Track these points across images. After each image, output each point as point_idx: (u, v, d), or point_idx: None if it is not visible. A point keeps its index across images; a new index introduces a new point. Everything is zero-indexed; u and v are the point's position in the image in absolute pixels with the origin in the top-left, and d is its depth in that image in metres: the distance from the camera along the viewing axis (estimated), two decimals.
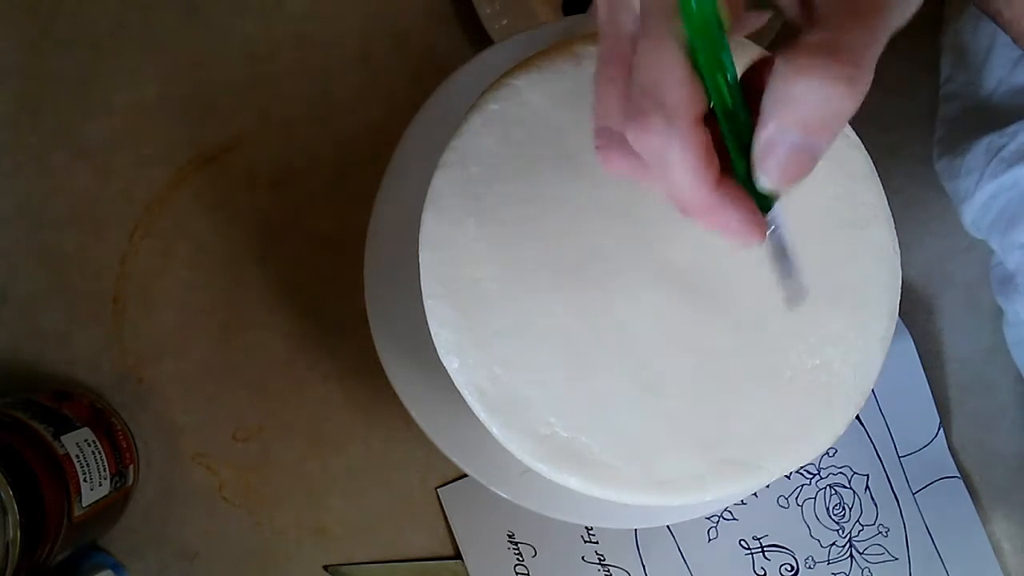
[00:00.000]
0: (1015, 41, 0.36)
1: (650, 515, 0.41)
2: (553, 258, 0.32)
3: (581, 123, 0.31)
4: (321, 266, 0.47)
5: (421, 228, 0.32)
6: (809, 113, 0.22)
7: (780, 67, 0.22)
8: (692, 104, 0.23)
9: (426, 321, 0.31)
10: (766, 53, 0.27)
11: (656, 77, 0.23)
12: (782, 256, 0.26)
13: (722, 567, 0.47)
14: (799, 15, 0.24)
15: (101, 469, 0.42)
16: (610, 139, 0.26)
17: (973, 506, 0.48)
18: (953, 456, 0.48)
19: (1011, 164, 0.39)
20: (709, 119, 0.24)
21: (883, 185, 0.33)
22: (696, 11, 0.22)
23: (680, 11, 0.22)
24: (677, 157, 0.23)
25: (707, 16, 0.22)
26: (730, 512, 0.47)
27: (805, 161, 0.23)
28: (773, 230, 0.25)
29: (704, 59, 0.22)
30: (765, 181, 0.24)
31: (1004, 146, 0.40)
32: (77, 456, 0.40)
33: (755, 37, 0.33)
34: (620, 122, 0.25)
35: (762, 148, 0.23)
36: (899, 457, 0.48)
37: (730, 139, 0.24)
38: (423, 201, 0.32)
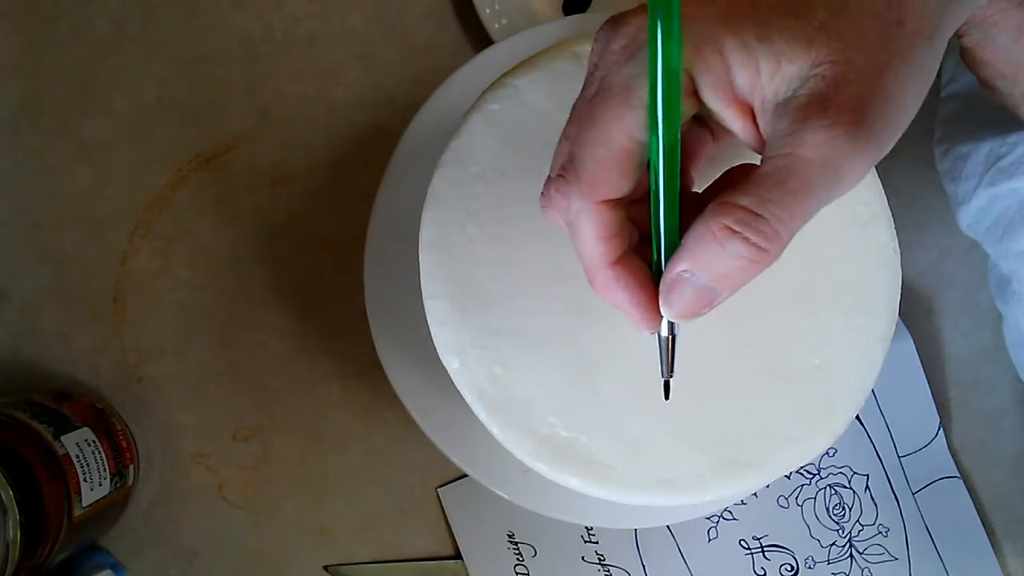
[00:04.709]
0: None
1: (650, 515, 0.41)
2: (553, 258, 0.32)
3: None
4: (321, 266, 0.47)
5: (421, 228, 0.32)
6: (719, 269, 0.24)
7: (707, 218, 0.24)
8: (607, 185, 0.25)
9: (426, 321, 0.31)
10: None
11: (585, 150, 0.25)
12: (665, 356, 0.27)
13: (722, 567, 0.47)
14: (752, 145, 0.26)
15: (101, 469, 0.42)
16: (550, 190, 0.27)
17: (973, 506, 0.48)
18: (953, 456, 0.48)
19: (1010, 176, 0.39)
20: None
21: (883, 185, 0.33)
22: (663, 60, 0.23)
23: (648, 57, 0.23)
24: (581, 229, 0.26)
25: (671, 67, 0.23)
26: (730, 512, 0.47)
27: (704, 303, 0.25)
28: (665, 334, 0.27)
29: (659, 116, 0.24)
30: (665, 310, 0.26)
31: (1004, 156, 0.40)
32: (77, 456, 0.40)
33: None
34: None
35: (669, 281, 0.25)
36: (899, 457, 0.48)
37: (654, 227, 0.26)
38: (423, 201, 0.32)
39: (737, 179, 0.25)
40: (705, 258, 0.24)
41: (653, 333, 0.27)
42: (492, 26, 0.45)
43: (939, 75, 0.47)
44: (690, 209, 0.25)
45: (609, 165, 0.25)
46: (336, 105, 0.47)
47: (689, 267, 0.24)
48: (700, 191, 0.27)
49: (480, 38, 0.47)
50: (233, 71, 0.47)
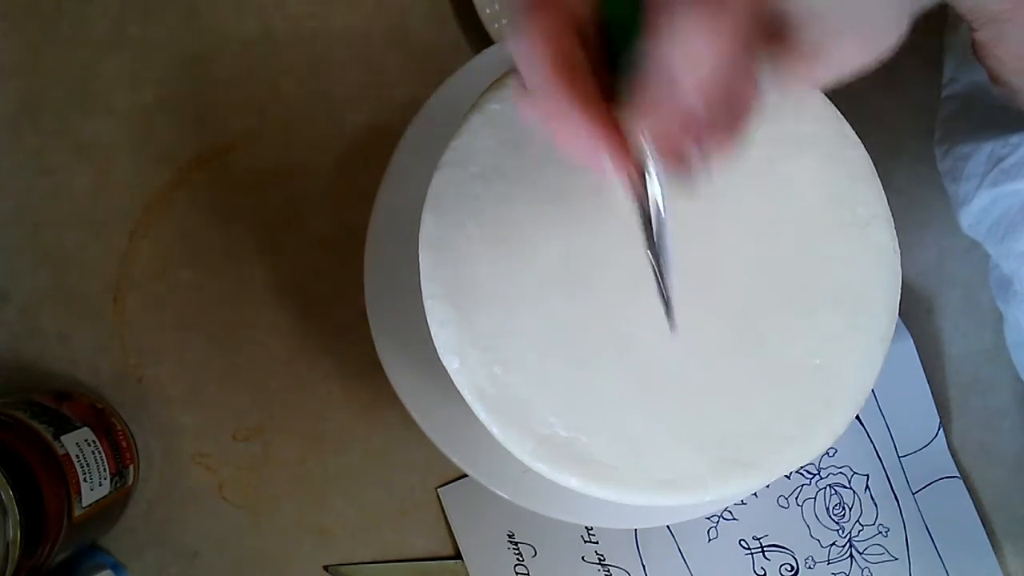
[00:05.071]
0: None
1: (650, 515, 0.41)
2: (553, 258, 0.32)
3: None
4: (321, 266, 0.47)
5: (421, 228, 0.32)
6: (679, 47, 0.21)
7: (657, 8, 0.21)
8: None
9: (426, 321, 0.31)
10: None
11: None
12: (647, 219, 0.23)
13: (722, 567, 0.47)
14: None
15: (101, 469, 0.42)
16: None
17: (973, 506, 0.48)
18: (953, 456, 0.48)
19: (1012, 176, 0.39)
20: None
21: (883, 185, 0.33)
22: None
23: None
24: (534, 49, 0.22)
25: None
26: (730, 512, 0.47)
27: (671, 98, 0.21)
28: (643, 183, 0.23)
29: None
30: (630, 117, 0.22)
31: (1005, 157, 0.40)
32: (77, 456, 0.40)
33: None
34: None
35: (631, 84, 0.22)
36: (899, 457, 0.48)
37: (616, 48, 0.23)
38: (423, 201, 0.32)
39: None
40: (661, 40, 0.21)
41: (622, 177, 0.23)
42: (492, 26, 0.45)
43: (940, 75, 0.47)
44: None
45: None
46: (336, 105, 0.47)
47: (648, 52, 0.21)
48: None
49: (480, 38, 0.47)
50: (233, 71, 0.47)
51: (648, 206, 0.23)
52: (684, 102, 0.21)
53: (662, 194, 0.23)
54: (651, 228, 0.24)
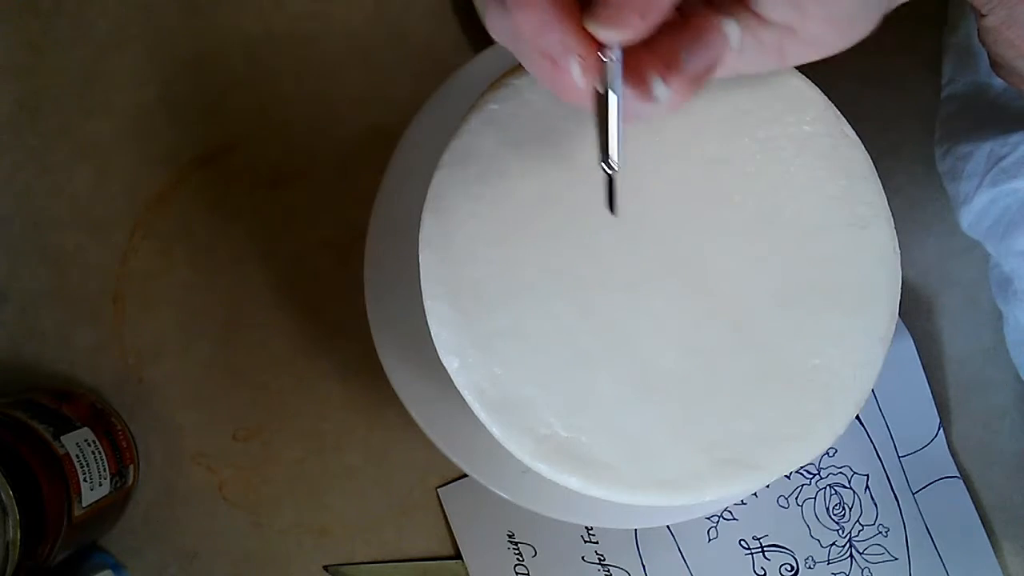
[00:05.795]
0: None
1: (650, 515, 0.41)
2: (553, 258, 0.32)
3: (581, 123, 0.31)
4: (321, 266, 0.47)
5: (421, 228, 0.32)
6: None
7: None
8: None
9: (426, 321, 0.31)
10: None
11: None
12: (603, 121, 0.24)
13: (722, 567, 0.47)
14: None
15: (101, 469, 0.42)
16: None
17: (973, 506, 0.48)
18: (953, 456, 0.48)
19: (1012, 176, 0.39)
20: None
21: (883, 185, 0.33)
22: None
23: None
24: None
25: None
26: (730, 512, 0.47)
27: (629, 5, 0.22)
28: (604, 86, 0.23)
29: None
30: (592, 23, 0.22)
31: (1005, 156, 0.40)
32: (77, 456, 0.40)
33: None
34: None
35: None
36: (899, 457, 0.48)
37: None
38: (423, 201, 0.32)
39: None
40: None
41: (587, 79, 0.23)
42: None
43: (940, 75, 0.47)
44: None
45: None
46: (336, 105, 0.47)
47: None
48: None
49: (480, 38, 0.47)
50: (233, 71, 0.47)
51: (607, 117, 0.24)
52: (652, 10, 0.22)
53: (618, 98, 0.23)
54: (606, 139, 0.24)
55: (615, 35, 0.22)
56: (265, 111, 0.47)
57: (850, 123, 0.33)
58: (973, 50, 0.44)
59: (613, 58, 0.23)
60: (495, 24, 0.25)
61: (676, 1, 0.22)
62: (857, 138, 0.33)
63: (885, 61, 0.47)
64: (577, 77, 0.23)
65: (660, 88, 0.24)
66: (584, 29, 0.23)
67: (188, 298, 0.47)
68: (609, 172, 0.25)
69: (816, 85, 0.33)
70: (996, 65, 0.36)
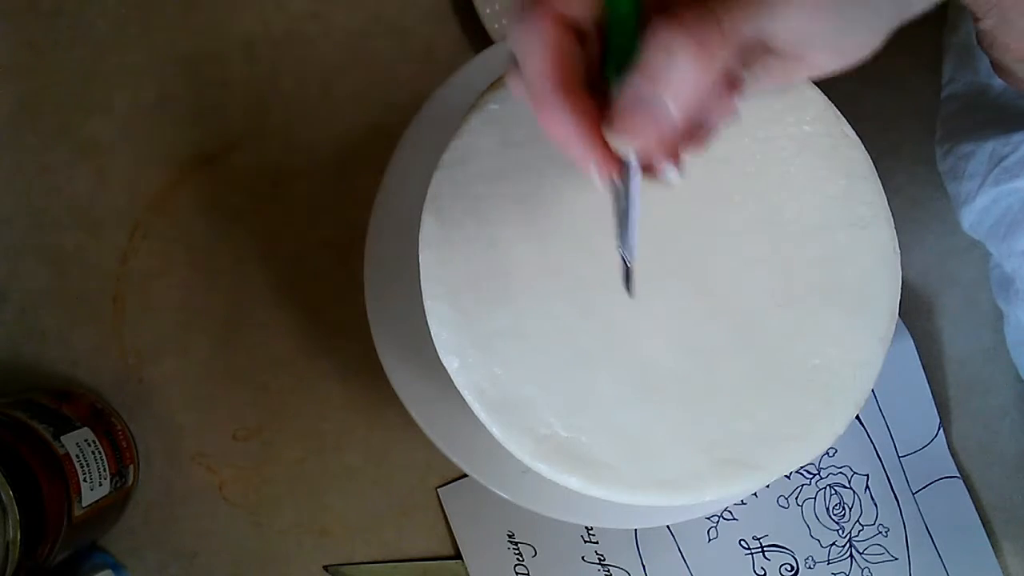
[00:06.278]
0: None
1: (650, 515, 0.41)
2: (553, 258, 0.32)
3: None
4: (321, 266, 0.47)
5: (421, 228, 0.32)
6: (663, 75, 0.23)
7: (654, 24, 0.23)
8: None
9: (426, 321, 0.31)
10: None
11: None
12: (620, 215, 0.25)
13: (722, 567, 0.47)
14: None
15: (101, 469, 0.42)
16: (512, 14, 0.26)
17: (973, 506, 0.48)
18: (953, 456, 0.48)
19: (1014, 175, 0.39)
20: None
21: (883, 185, 0.33)
22: None
23: None
24: (531, 45, 0.24)
25: None
26: (730, 512, 0.47)
27: (651, 118, 0.23)
28: (622, 185, 0.25)
29: None
30: (609, 133, 0.24)
31: (1007, 156, 0.40)
32: (77, 456, 0.40)
33: None
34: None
35: (614, 102, 0.24)
36: (899, 457, 0.48)
37: (610, 55, 0.24)
38: (423, 201, 0.32)
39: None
40: (648, 65, 0.23)
41: (604, 181, 0.25)
42: (492, 26, 0.45)
43: (940, 75, 0.47)
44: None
45: None
46: (336, 105, 0.47)
47: (636, 80, 0.23)
48: None
49: (480, 38, 0.47)
50: (233, 71, 0.47)
51: (623, 203, 0.25)
52: (665, 125, 0.24)
53: (636, 196, 0.25)
54: (625, 224, 0.26)
55: (634, 146, 0.24)
56: (265, 111, 0.47)
57: (850, 123, 0.33)
58: (973, 50, 0.44)
59: (631, 162, 0.25)
60: (515, 89, 0.26)
61: (689, 115, 0.24)
62: (857, 138, 0.33)
63: (885, 61, 0.47)
64: (595, 178, 0.25)
65: (671, 172, 0.26)
66: (603, 139, 0.24)
67: (188, 298, 0.47)
68: (627, 262, 0.26)
69: (816, 85, 0.33)
70: (995, 67, 0.36)
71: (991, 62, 0.36)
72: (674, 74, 0.23)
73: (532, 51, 0.24)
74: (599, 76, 0.25)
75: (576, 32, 0.24)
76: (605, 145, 0.25)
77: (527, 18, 0.24)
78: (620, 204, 0.25)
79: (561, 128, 0.25)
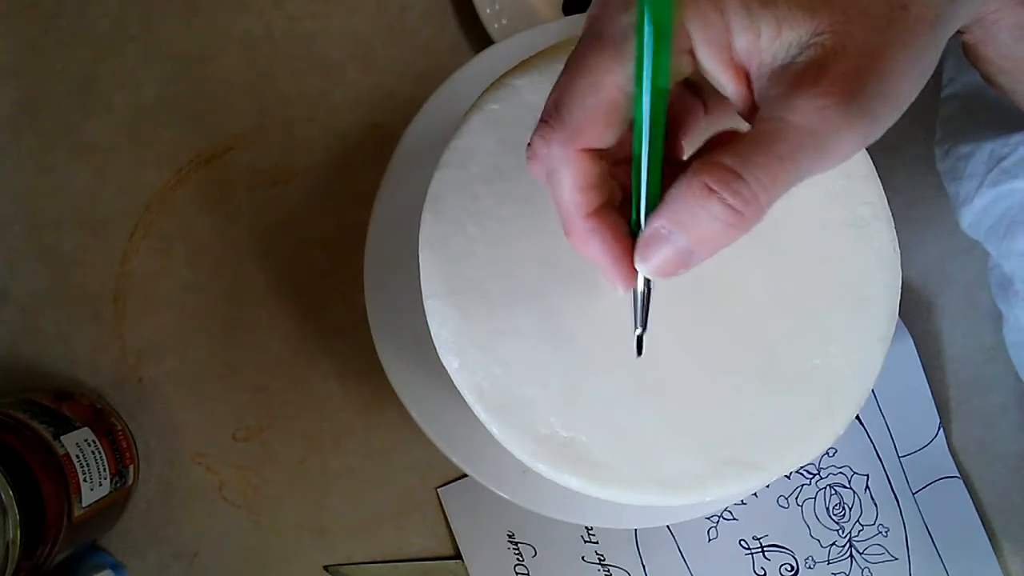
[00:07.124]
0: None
1: (650, 515, 0.41)
2: (553, 258, 0.32)
3: None
4: (321, 266, 0.47)
5: (421, 228, 0.32)
6: (696, 229, 0.24)
7: (689, 175, 0.23)
8: (591, 133, 0.25)
9: (426, 321, 0.31)
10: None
11: (573, 98, 0.25)
12: (639, 311, 0.27)
13: (722, 567, 0.47)
14: (744, 111, 0.26)
15: (101, 469, 0.42)
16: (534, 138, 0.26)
17: (973, 506, 0.48)
18: (953, 456, 0.48)
19: (1013, 176, 0.39)
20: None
21: (883, 185, 0.33)
22: (651, 10, 0.22)
23: (637, 15, 0.23)
24: (560, 177, 0.25)
25: (661, 18, 0.23)
26: (730, 512, 0.47)
27: (680, 262, 0.25)
28: (641, 288, 0.27)
29: (647, 64, 0.23)
30: (641, 266, 0.26)
31: (1006, 156, 0.40)
32: (77, 456, 0.40)
33: None
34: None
35: (646, 237, 0.25)
36: (899, 457, 0.48)
37: (635, 184, 0.25)
38: (423, 201, 0.32)
39: (724, 141, 0.24)
40: (683, 216, 0.24)
41: (628, 291, 0.27)
42: (492, 26, 0.45)
43: (940, 75, 0.47)
44: (676, 174, 0.25)
45: (595, 114, 0.24)
46: (336, 105, 0.47)
47: (666, 224, 0.24)
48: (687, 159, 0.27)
49: (480, 38, 0.47)
50: (233, 71, 0.47)
51: (642, 300, 0.27)
52: (689, 262, 0.25)
53: (649, 294, 0.27)
54: (644, 312, 0.27)
55: (657, 276, 0.26)
56: (265, 111, 0.47)
57: None
58: None
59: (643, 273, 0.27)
60: (534, 169, 0.27)
61: (708, 256, 0.25)
62: None
63: None
64: (619, 287, 0.26)
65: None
66: (629, 257, 0.26)
67: (188, 298, 0.47)
68: (640, 336, 0.28)
69: None
70: (983, 77, 0.36)
71: (980, 74, 0.36)
72: (704, 232, 0.24)
73: (559, 180, 0.25)
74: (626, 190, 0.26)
75: (601, 152, 0.25)
76: (631, 263, 0.26)
77: (556, 148, 0.25)
78: (639, 300, 0.27)
79: (588, 249, 0.26)
